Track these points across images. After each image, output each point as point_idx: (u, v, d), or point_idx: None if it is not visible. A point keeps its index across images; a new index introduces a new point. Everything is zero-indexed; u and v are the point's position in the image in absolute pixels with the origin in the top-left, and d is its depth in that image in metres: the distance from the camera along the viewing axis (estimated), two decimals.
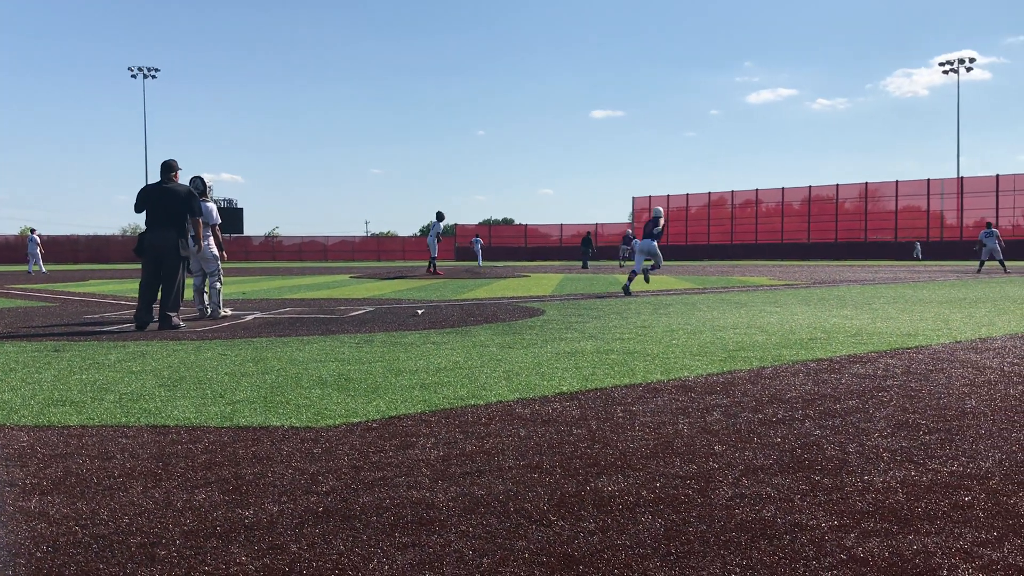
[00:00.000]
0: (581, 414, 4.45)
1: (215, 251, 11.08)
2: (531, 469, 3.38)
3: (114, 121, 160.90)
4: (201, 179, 11.10)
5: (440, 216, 27.78)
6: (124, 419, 4.42)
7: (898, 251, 58.25)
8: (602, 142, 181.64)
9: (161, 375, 5.91)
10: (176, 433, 4.09)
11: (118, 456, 3.65)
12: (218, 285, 11.02)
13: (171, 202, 9.58)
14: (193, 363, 6.52)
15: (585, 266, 40.45)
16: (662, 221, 16.37)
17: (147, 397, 5.04)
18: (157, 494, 3.08)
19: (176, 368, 6.25)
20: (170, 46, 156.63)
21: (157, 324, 9.40)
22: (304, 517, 2.81)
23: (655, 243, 16.31)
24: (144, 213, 9.62)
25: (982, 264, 29.62)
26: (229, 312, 11.23)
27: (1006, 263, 28.54)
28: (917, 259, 55.47)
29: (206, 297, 11.05)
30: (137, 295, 9.57)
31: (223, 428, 4.20)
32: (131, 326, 9.65)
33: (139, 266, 10.02)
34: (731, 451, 3.64)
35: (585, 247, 41.85)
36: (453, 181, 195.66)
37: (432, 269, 28.03)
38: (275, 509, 2.90)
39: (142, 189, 9.75)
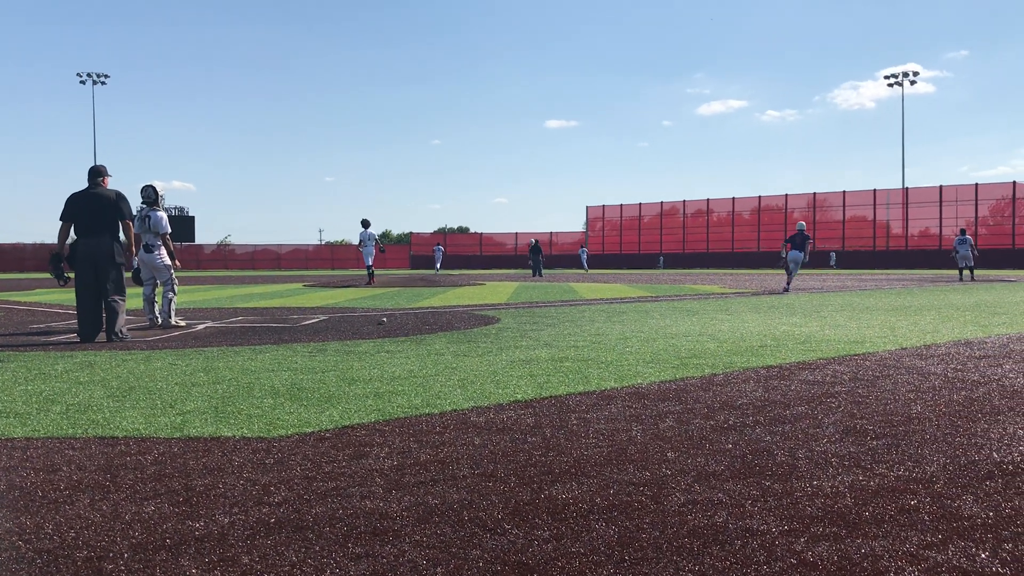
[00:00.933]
0: (536, 422, 4.46)
1: (167, 260, 10.93)
2: (486, 477, 3.38)
3: (63, 128, 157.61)
4: (153, 187, 10.96)
5: (367, 223, 27.02)
6: (71, 431, 4.33)
7: (818, 260, 59.20)
8: (556, 151, 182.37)
9: (109, 385, 5.81)
10: (125, 444, 4.02)
11: (64, 468, 3.58)
12: (171, 295, 10.87)
13: (101, 208, 9.34)
14: (143, 373, 6.41)
15: (537, 274, 40.23)
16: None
17: (95, 408, 4.95)
18: (105, 507, 3.03)
19: (125, 378, 6.14)
20: (120, 52, 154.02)
21: (104, 335, 9.17)
22: (256, 528, 2.78)
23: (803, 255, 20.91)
24: (73, 221, 9.35)
25: (962, 272, 28.80)
26: (182, 323, 11.05)
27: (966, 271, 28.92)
28: (832, 267, 57.30)
29: (156, 306, 10.88)
30: (77, 307, 9.31)
31: (173, 439, 4.13)
32: (77, 336, 9.45)
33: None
34: (684, 457, 3.67)
35: (534, 255, 41.40)
36: (408, 189, 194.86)
37: (369, 278, 27.45)
38: (226, 520, 2.86)
39: (70, 197, 9.46)
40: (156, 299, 10.96)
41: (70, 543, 2.66)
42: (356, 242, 31.42)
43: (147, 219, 10.77)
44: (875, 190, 61.38)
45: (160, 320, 10.78)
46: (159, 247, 10.87)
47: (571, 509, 2.96)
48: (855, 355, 7.17)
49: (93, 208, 9.32)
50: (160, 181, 10.59)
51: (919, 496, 3.07)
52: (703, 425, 4.35)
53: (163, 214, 10.91)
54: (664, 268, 60.05)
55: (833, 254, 60.52)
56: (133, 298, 10.15)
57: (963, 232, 29.47)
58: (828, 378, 5.90)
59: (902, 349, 7.59)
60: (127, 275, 9.85)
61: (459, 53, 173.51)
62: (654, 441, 4.00)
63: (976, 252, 28.85)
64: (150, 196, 10.91)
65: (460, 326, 10.52)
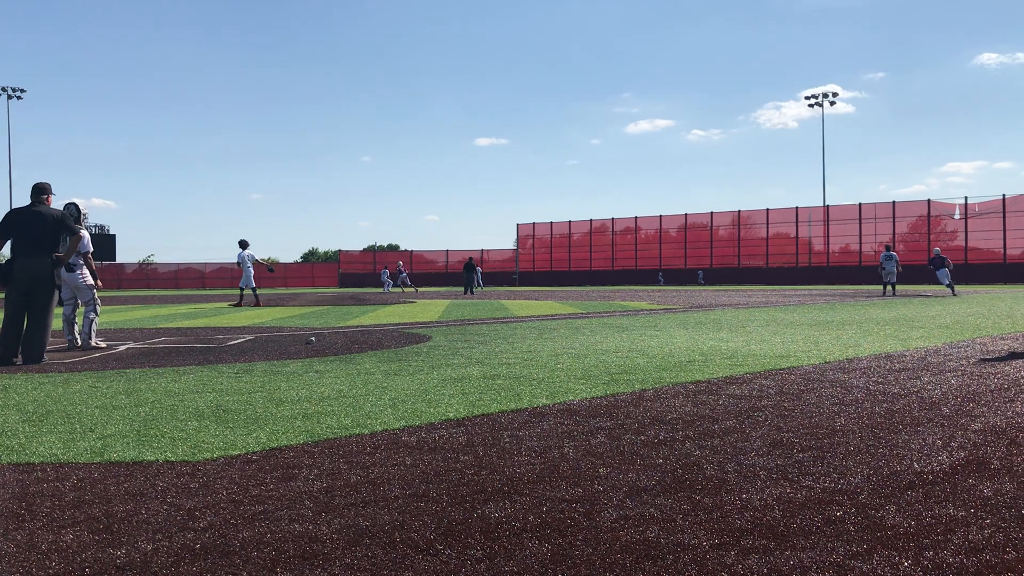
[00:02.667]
0: (468, 440, 4.44)
1: (89, 280, 10.64)
2: (417, 498, 3.34)
3: None
4: (76, 205, 10.69)
5: (244, 244, 25.62)
6: None
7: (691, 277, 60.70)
8: (487, 169, 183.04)
9: (25, 410, 5.60)
10: (42, 471, 3.87)
11: None
12: (92, 315, 10.57)
13: (43, 227, 9.06)
14: (61, 396, 6.20)
15: (469, 292, 40.52)
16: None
17: (9, 433, 4.76)
18: (20, 536, 2.90)
19: (42, 402, 5.93)
20: (37, 66, 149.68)
21: (20, 359, 8.83)
22: (180, 555, 2.70)
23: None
24: (10, 240, 9.06)
25: (886, 287, 29.88)
26: (103, 344, 10.73)
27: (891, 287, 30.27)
28: (701, 284, 60.10)
29: (76, 327, 10.56)
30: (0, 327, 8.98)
31: (93, 464, 4.00)
32: None
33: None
34: (615, 473, 3.69)
35: (468, 272, 41.95)
36: (337, 206, 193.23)
37: (255, 300, 26.16)
38: (149, 547, 2.77)
39: (8, 213, 9.17)
40: (76, 320, 10.64)
41: None
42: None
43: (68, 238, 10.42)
44: (797, 208, 63.07)
45: (80, 341, 10.46)
46: (81, 266, 10.59)
47: (504, 528, 2.94)
48: (781, 369, 7.31)
49: (34, 226, 9.00)
50: (80, 199, 10.32)
51: (844, 507, 3.13)
52: (634, 440, 4.38)
53: (86, 232, 10.61)
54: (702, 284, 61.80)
55: (701, 272, 64.85)
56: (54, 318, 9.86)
57: (888, 248, 30.68)
58: (755, 392, 6.00)
59: (826, 363, 7.77)
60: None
61: (389, 69, 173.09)
62: (586, 457, 4.01)
63: (900, 268, 30.04)
64: (72, 214, 10.59)
65: (391, 344, 10.44)
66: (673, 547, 2.72)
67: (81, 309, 10.79)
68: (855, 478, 3.56)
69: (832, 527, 2.90)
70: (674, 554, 2.65)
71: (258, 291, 27.19)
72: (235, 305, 25.37)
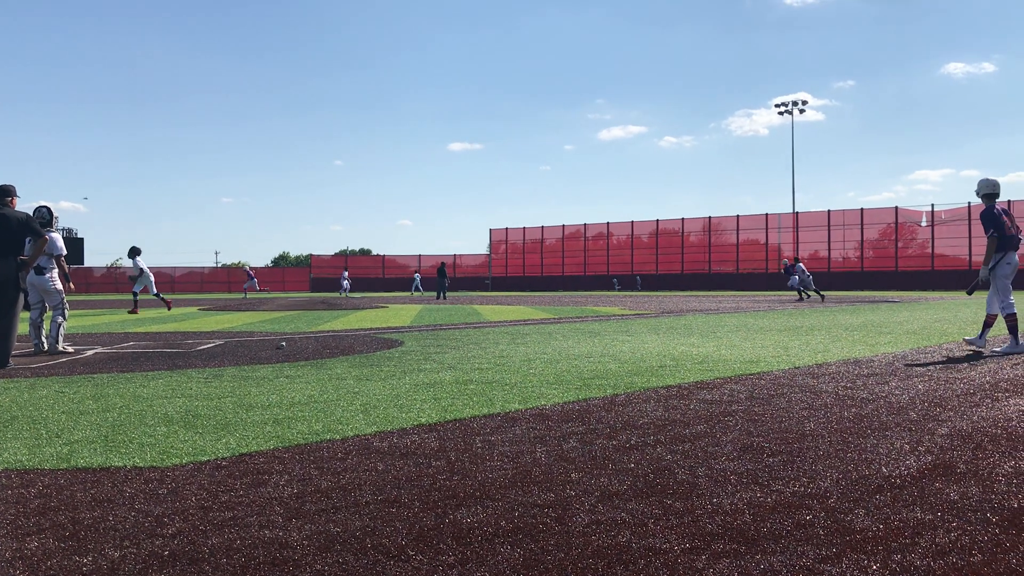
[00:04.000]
0: (440, 446, 4.43)
1: (59, 284, 10.51)
2: (389, 503, 3.32)
3: None
4: (48, 208, 10.62)
5: (136, 251, 23.66)
6: None
7: (735, 281, 61.13)
8: (460, 174, 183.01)
9: None
10: (6, 477, 3.81)
11: None
12: (60, 319, 10.47)
13: (8, 230, 8.92)
14: (26, 401, 6.10)
15: (441, 297, 40.67)
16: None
17: None
18: None
19: (7, 407, 5.84)
20: (3, 63, 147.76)
21: None
22: (148, 562, 2.67)
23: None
24: None
25: (801, 294, 32.12)
26: (70, 349, 10.60)
27: (811, 293, 32.29)
28: (621, 289, 64.05)
29: (43, 331, 10.41)
30: None
31: (59, 470, 3.94)
32: None
33: None
34: (587, 478, 3.70)
35: (440, 278, 42.29)
36: (309, 210, 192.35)
37: (134, 307, 24.28)
38: (116, 555, 2.73)
39: None
40: (44, 324, 10.50)
41: None
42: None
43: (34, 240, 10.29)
44: (767, 214, 63.62)
45: (47, 346, 10.32)
46: (51, 269, 10.48)
47: (476, 533, 2.94)
48: (751, 374, 7.36)
49: None
50: (46, 201, 10.24)
51: (814, 511, 3.16)
52: (606, 445, 4.39)
53: (57, 235, 10.57)
54: (618, 289, 62.42)
55: (638, 277, 66.93)
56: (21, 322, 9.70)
57: (797, 261, 32.95)
58: (725, 397, 6.04)
59: (795, 368, 7.83)
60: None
61: (363, 73, 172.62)
62: (558, 462, 4.01)
63: (808, 275, 32.02)
64: (44, 217, 10.55)
65: (362, 349, 10.39)
66: (644, 551, 2.72)
67: (49, 313, 10.66)
68: (824, 482, 3.59)
69: (802, 531, 2.92)
70: (646, 558, 2.66)
71: (233, 296, 26.73)
72: (131, 312, 23.83)
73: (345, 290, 49.90)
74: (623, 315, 19.87)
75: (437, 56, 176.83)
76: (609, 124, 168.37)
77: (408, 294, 54.39)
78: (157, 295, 24.40)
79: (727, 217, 65.49)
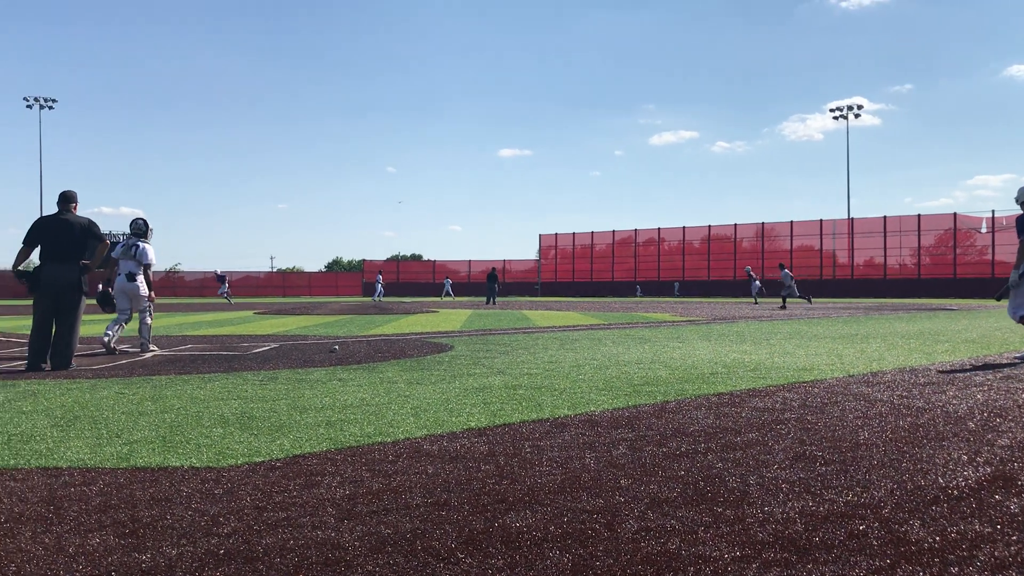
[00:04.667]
0: (489, 450, 4.45)
1: (146, 290, 11.16)
2: (439, 506, 3.35)
3: (7, 153, 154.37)
4: (144, 220, 11.30)
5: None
6: (13, 461, 4.22)
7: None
8: (510, 180, 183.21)
9: (53, 415, 5.67)
10: (69, 475, 3.92)
11: (6, 500, 3.48)
12: (148, 321, 11.17)
13: (70, 235, 9.17)
14: (88, 402, 6.27)
15: (491, 302, 40.83)
16: None
17: (38, 438, 4.82)
18: (48, 539, 2.95)
19: (70, 407, 6.00)
20: (68, 77, 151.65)
21: (49, 365, 8.93)
22: (204, 560, 2.73)
23: None
24: (39, 247, 9.19)
25: (785, 300, 33.86)
26: (155, 348, 11.28)
27: (797, 299, 33.73)
28: (638, 294, 63.96)
29: (110, 337, 10.83)
30: (29, 333, 9.09)
31: (119, 469, 4.05)
32: (22, 364, 9.22)
33: (30, 302, 9.57)
34: (637, 484, 3.69)
35: (491, 283, 42.47)
36: (362, 216, 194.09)
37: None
38: (174, 552, 2.80)
39: (37, 220, 9.29)
40: (117, 327, 10.99)
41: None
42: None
43: (134, 248, 11.06)
44: (821, 220, 62.66)
45: (111, 345, 10.84)
46: (140, 275, 11.11)
47: (525, 537, 2.95)
48: (804, 382, 7.27)
49: (62, 234, 9.12)
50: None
51: (867, 521, 3.11)
52: (656, 452, 4.37)
53: (151, 247, 11.19)
54: (640, 296, 62.26)
55: (676, 283, 66.44)
56: (91, 324, 9.93)
57: (782, 268, 34.42)
58: (778, 405, 5.97)
59: (849, 376, 7.72)
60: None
61: (414, 81, 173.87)
62: (607, 468, 4.01)
63: (791, 281, 33.44)
64: (140, 228, 11.22)
65: (413, 354, 10.47)
66: (694, 559, 2.71)
67: (116, 318, 11.16)
68: (879, 492, 3.54)
69: (855, 541, 2.88)
70: (695, 566, 2.65)
71: (288, 300, 27.17)
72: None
73: (379, 294, 50.17)
74: (674, 321, 19.74)
75: (487, 62, 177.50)
76: (660, 129, 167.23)
77: (439, 298, 54.96)
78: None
79: (780, 223, 64.67)
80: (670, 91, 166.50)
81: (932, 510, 3.26)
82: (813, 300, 32.77)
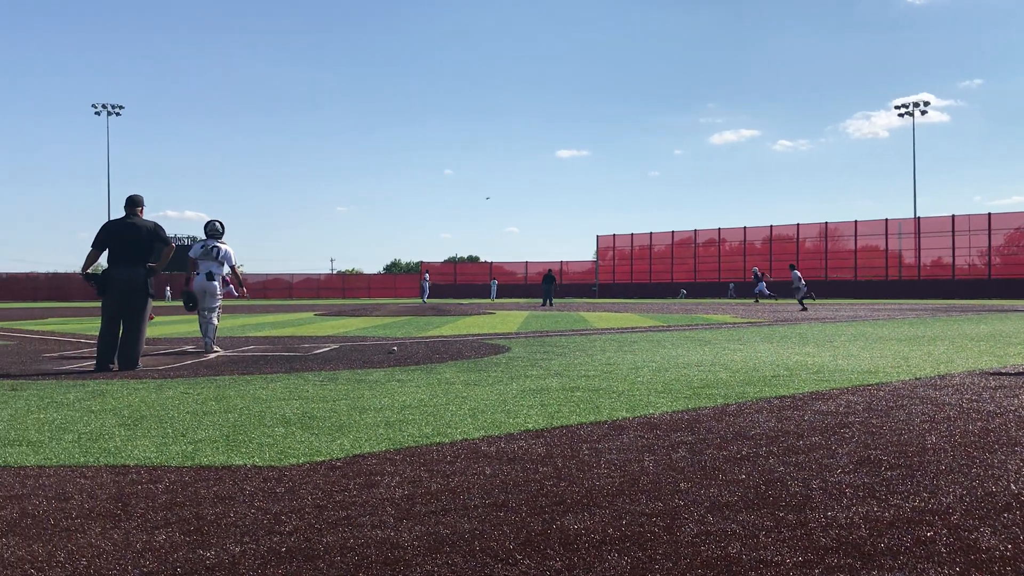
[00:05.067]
0: (547, 452, 4.45)
1: (220, 290, 11.62)
2: (496, 507, 3.36)
3: (76, 158, 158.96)
4: (220, 222, 11.69)
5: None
6: (82, 459, 4.33)
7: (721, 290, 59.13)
8: (567, 181, 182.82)
9: (121, 414, 5.82)
10: (136, 473, 4.02)
11: (76, 497, 3.58)
12: (215, 321, 11.47)
13: (137, 238, 9.39)
14: (154, 402, 6.42)
15: (547, 303, 40.76)
16: None
17: (106, 436, 4.95)
18: (116, 535, 3.02)
19: (136, 407, 6.15)
20: (134, 83, 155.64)
21: (116, 365, 9.16)
22: (267, 558, 2.77)
23: None
24: (107, 250, 9.44)
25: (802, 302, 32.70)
26: (219, 349, 11.62)
27: (804, 303, 32.04)
28: (682, 296, 62.35)
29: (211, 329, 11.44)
30: (98, 335, 9.34)
31: (184, 467, 4.13)
32: (91, 365, 9.48)
33: (99, 304, 9.83)
34: (696, 488, 3.65)
35: (547, 284, 42.32)
36: (419, 218, 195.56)
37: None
38: (237, 550, 2.85)
39: (105, 224, 9.54)
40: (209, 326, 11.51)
41: (82, 571, 2.65)
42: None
43: (214, 250, 11.50)
44: (887, 220, 61.29)
45: (212, 346, 11.41)
46: (219, 276, 11.55)
47: (583, 540, 2.94)
48: (868, 385, 7.12)
49: (129, 237, 9.36)
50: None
51: (935, 528, 3.03)
52: (716, 455, 4.32)
53: (231, 248, 11.67)
54: (684, 298, 61.61)
55: (731, 284, 65.07)
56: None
57: (793, 268, 33.51)
58: (842, 408, 5.86)
59: (916, 379, 7.54)
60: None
61: (471, 83, 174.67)
62: (667, 471, 3.98)
63: (800, 282, 32.33)
64: (217, 230, 11.64)
65: (470, 355, 10.52)
66: (755, 563, 2.67)
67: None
68: (947, 498, 3.44)
69: (922, 548, 2.81)
70: (756, 570, 2.61)
71: (348, 301, 27.50)
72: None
73: (426, 294, 50.70)
74: (735, 323, 19.50)
75: (544, 63, 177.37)
76: (721, 128, 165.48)
77: (489, 300, 55.10)
78: None
79: (844, 223, 63.43)
80: (731, 89, 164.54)
81: (1004, 517, 3.17)
82: (814, 300, 32.17)
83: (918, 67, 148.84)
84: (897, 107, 72.88)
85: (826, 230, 64.28)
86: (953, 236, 57.97)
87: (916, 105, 71.64)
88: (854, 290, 59.95)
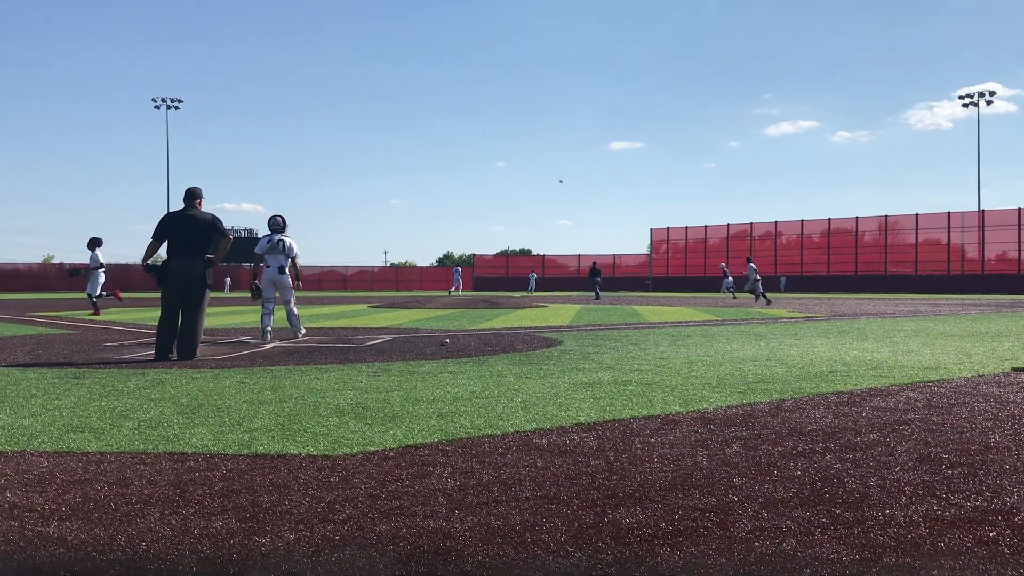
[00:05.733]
0: (599, 445, 4.43)
1: (290, 281, 12.18)
2: (548, 500, 3.35)
3: (136, 151, 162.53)
4: (282, 217, 12.09)
5: (96, 242, 21.43)
6: (142, 446, 4.43)
7: (884, 284, 57.87)
8: (620, 173, 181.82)
9: (179, 402, 5.94)
10: (194, 460, 4.10)
11: (136, 483, 3.66)
12: (295, 310, 12.22)
13: (195, 230, 9.56)
14: (211, 391, 6.54)
15: (597, 296, 40.63)
16: None
17: (165, 424, 5.06)
18: (175, 521, 3.08)
19: (194, 396, 6.27)
20: (193, 77, 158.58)
21: (175, 355, 9.35)
22: (320, 545, 2.80)
23: None
24: (166, 242, 9.63)
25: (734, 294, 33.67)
26: (304, 332, 12.49)
27: (758, 295, 31.06)
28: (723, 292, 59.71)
29: (267, 320, 11.94)
30: (158, 324, 9.54)
31: (241, 456, 4.20)
32: (151, 354, 9.69)
33: (158, 295, 10.03)
34: (751, 484, 3.60)
35: (593, 277, 41.91)
36: (472, 211, 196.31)
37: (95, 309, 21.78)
38: (292, 537, 2.89)
39: (164, 216, 9.73)
40: (269, 317, 11.99)
41: (141, 555, 2.71)
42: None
43: (280, 244, 11.99)
44: (949, 213, 59.82)
45: (294, 330, 12.24)
46: (288, 268, 12.08)
47: (635, 533, 2.92)
48: (929, 382, 6.97)
49: (188, 229, 9.54)
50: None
51: (998, 528, 2.96)
52: (771, 451, 4.26)
53: (294, 241, 12.16)
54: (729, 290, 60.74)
55: (783, 278, 64.12)
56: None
57: (749, 261, 32.65)
58: (901, 405, 5.74)
59: (979, 376, 7.35)
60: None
61: (524, 75, 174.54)
62: (720, 467, 3.93)
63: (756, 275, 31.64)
64: (279, 225, 12.03)
65: (522, 348, 10.52)
66: (810, 560, 2.63)
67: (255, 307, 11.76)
68: (1011, 498, 3.35)
69: (984, 548, 2.74)
70: (812, 567, 2.57)
71: (401, 294, 27.71)
72: (93, 313, 21.37)
73: (457, 286, 50.42)
74: (791, 318, 19.22)
75: (597, 54, 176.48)
76: (778, 119, 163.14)
77: (526, 294, 54.85)
78: (91, 296, 21.62)
79: (905, 216, 62.06)
80: (788, 79, 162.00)
81: None
82: (770, 301, 31.45)
83: (984, 55, 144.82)
84: (961, 97, 71.05)
85: (886, 223, 62.98)
86: (1020, 230, 56.36)
87: (981, 95, 69.78)
88: (914, 285, 58.67)
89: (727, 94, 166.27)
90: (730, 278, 40.76)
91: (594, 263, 43.68)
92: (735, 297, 40.10)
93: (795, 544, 2.79)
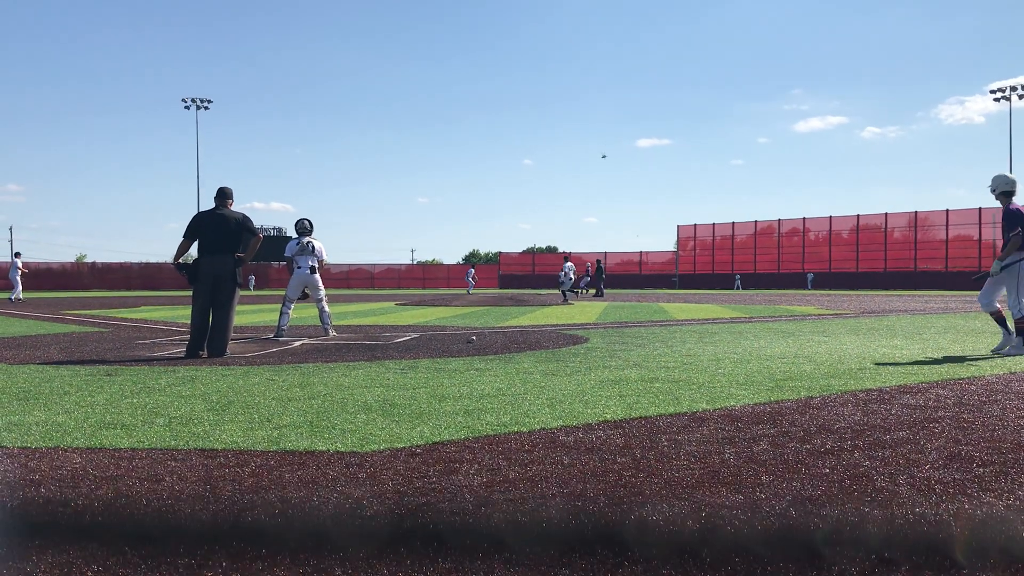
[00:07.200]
0: (625, 442, 4.42)
1: (320, 281, 12.51)
2: (575, 497, 3.36)
3: (167, 151, 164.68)
4: (309, 220, 12.43)
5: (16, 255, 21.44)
6: (173, 442, 4.48)
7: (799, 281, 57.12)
8: (647, 170, 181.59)
9: (210, 399, 5.99)
10: (224, 457, 4.14)
11: (167, 479, 3.70)
12: (327, 309, 12.51)
13: (226, 229, 9.66)
14: (241, 388, 6.60)
15: (599, 294, 41.16)
16: None
17: (196, 421, 5.11)
18: (204, 517, 3.12)
19: (224, 393, 6.33)
20: (223, 78, 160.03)
21: (206, 352, 9.45)
22: (349, 541, 2.82)
23: None
24: (197, 241, 9.72)
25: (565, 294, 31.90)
26: (334, 332, 12.64)
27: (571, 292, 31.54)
28: (737, 289, 60.20)
29: (285, 319, 12.23)
30: (189, 322, 9.64)
31: (270, 452, 4.24)
32: (181, 351, 9.79)
33: (189, 293, 10.13)
34: (778, 481, 3.58)
35: (597, 275, 42.87)
36: (498, 209, 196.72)
37: None
38: (320, 532, 2.91)
39: (195, 215, 9.85)
40: (286, 317, 12.28)
41: (172, 550, 2.74)
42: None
43: (310, 245, 12.35)
44: (980, 208, 59.07)
45: (325, 327, 12.42)
46: (318, 269, 12.42)
47: (663, 531, 2.91)
48: (960, 379, 6.89)
49: (218, 228, 9.65)
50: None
51: None
52: (799, 449, 4.24)
53: (321, 244, 12.52)
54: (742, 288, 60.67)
55: (811, 275, 63.89)
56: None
57: (566, 259, 32.04)
58: (931, 402, 5.68)
59: (1011, 373, 7.26)
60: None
61: (551, 73, 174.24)
62: (747, 464, 3.92)
63: (571, 277, 31.06)
64: (306, 228, 12.40)
65: (548, 345, 10.52)
66: (839, 558, 2.61)
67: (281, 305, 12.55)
68: None
69: (1018, 546, 2.71)
70: (839, 566, 2.55)
71: (428, 291, 27.95)
72: None
73: (471, 285, 50.71)
74: (819, 315, 19.07)
75: (625, 51, 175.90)
76: (806, 115, 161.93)
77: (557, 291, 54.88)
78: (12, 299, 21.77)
79: (935, 212, 61.38)
80: (817, 75, 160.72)
81: None
82: (578, 296, 31.17)
83: (1016, 48, 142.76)
84: (993, 91, 70.03)
85: (916, 219, 62.32)
86: None
87: (1013, 89, 68.70)
88: (945, 281, 57.93)
89: (756, 90, 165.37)
90: (588, 278, 41.27)
91: (598, 261, 44.83)
92: (601, 294, 40.87)
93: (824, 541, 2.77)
